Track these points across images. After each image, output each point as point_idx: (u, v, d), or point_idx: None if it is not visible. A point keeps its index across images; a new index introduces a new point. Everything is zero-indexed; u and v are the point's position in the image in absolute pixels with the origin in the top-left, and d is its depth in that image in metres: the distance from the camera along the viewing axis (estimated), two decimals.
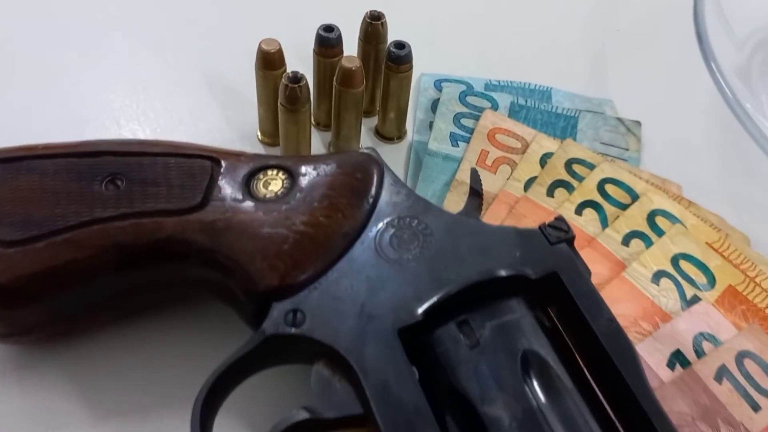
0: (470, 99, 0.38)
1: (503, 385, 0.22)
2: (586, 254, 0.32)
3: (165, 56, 0.40)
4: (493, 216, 0.33)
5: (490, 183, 0.35)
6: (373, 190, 0.26)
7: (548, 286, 0.24)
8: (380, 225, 0.26)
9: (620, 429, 0.22)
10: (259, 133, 0.36)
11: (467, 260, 0.25)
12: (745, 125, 0.35)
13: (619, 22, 0.45)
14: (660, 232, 0.33)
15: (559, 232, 0.25)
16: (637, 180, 0.35)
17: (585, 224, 0.33)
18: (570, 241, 0.26)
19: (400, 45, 0.33)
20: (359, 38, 0.35)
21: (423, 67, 0.40)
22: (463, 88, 0.39)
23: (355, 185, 0.26)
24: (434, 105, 0.38)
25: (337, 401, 0.22)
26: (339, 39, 0.33)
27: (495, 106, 0.38)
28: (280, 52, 0.32)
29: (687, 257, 0.32)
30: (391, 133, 0.36)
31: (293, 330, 0.23)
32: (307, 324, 0.23)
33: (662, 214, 0.34)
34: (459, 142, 0.36)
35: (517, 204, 0.34)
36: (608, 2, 0.46)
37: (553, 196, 0.34)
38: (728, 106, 0.36)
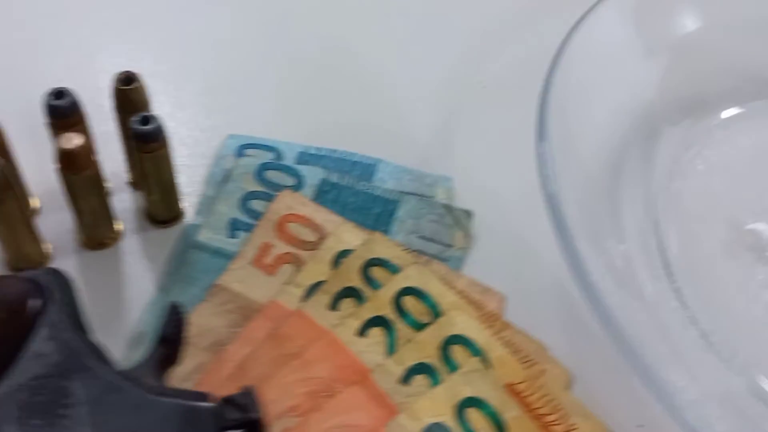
0: (270, 174, 0.32)
1: None
2: (353, 394, 0.26)
3: None
4: (247, 338, 0.27)
5: (263, 289, 0.28)
6: (16, 337, 0.20)
7: None
8: (10, 390, 0.20)
9: None
10: None
11: None
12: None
13: (486, 76, 0.38)
14: (453, 368, 0.27)
15: (237, 413, 0.19)
16: (446, 291, 0.29)
17: (366, 350, 0.27)
18: (253, 424, 0.19)
19: (146, 119, 0.27)
20: (114, 106, 0.28)
21: (235, 127, 0.34)
22: (270, 157, 0.33)
23: None
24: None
25: None
26: (73, 107, 0.27)
27: (300, 185, 0.32)
28: None
29: (478, 404, 0.26)
30: (160, 215, 0.30)
31: None
32: None
33: (461, 341, 0.27)
34: (239, 233, 0.30)
35: (286, 321, 0.27)
36: (477, 51, 0.39)
37: (337, 309, 0.28)
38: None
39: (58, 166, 0.26)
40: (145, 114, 0.27)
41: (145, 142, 0.27)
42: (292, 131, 0.34)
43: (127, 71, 0.28)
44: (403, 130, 0.36)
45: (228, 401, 0.20)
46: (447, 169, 0.34)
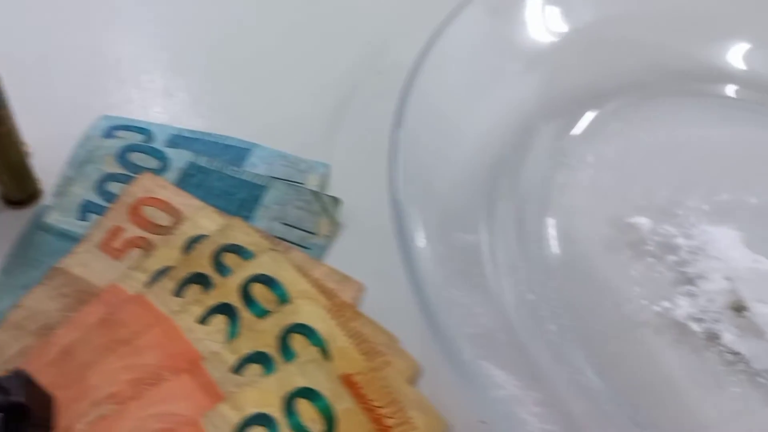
0: (134, 156, 0.31)
1: None
2: (180, 383, 0.25)
3: None
4: (78, 323, 0.26)
5: (106, 274, 0.28)
6: None
7: None
8: None
9: None
10: None
11: None
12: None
13: (384, 62, 0.37)
14: (290, 357, 0.26)
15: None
16: (299, 279, 0.28)
17: (205, 338, 0.26)
18: (14, 408, 0.19)
19: None
20: None
21: (116, 108, 0.33)
22: (139, 139, 0.32)
23: None
24: None
25: None
26: None
27: (165, 168, 0.31)
28: None
29: (310, 395, 0.25)
30: (13, 196, 0.30)
31: None
32: None
33: (303, 331, 0.27)
34: (91, 215, 0.29)
35: (123, 307, 0.27)
36: (377, 36, 0.38)
37: (181, 296, 0.27)
38: None
39: None
40: None
41: None
42: (174, 114, 0.34)
43: None
44: (291, 115, 0.35)
45: None
46: (328, 156, 0.33)
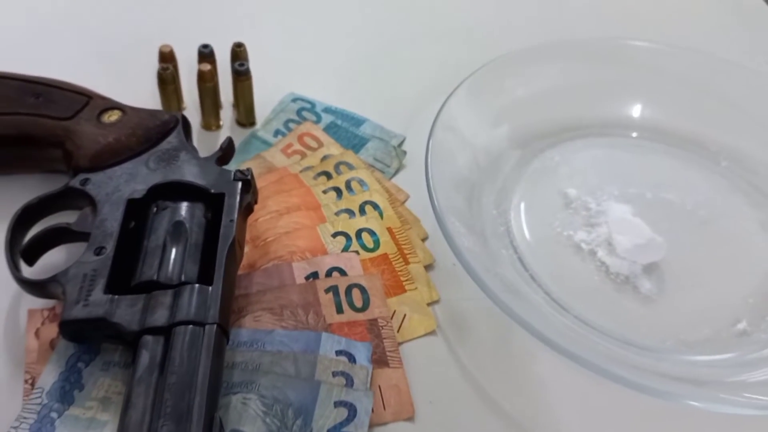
0: (305, 113, 0.58)
1: (160, 228, 0.42)
2: (308, 213, 0.51)
3: None
4: (265, 179, 0.53)
5: (281, 162, 0.55)
6: (159, 136, 0.47)
7: (217, 199, 0.44)
8: (154, 152, 0.47)
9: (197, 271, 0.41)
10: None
11: (186, 175, 0.45)
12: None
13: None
14: (363, 214, 0.52)
15: (241, 175, 0.45)
16: (375, 182, 0.54)
17: (324, 199, 0.53)
18: (245, 182, 0.45)
19: (242, 64, 0.54)
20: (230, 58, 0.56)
21: (296, 89, 0.61)
22: (308, 106, 0.59)
23: (149, 130, 0.47)
24: None
25: (81, 223, 0.43)
26: (210, 54, 0.55)
27: (318, 121, 0.58)
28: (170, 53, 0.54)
29: (369, 231, 0.50)
30: (243, 121, 0.57)
31: (80, 186, 0.45)
32: (89, 186, 0.45)
33: (372, 204, 0.52)
34: (279, 136, 0.56)
35: (285, 177, 0.53)
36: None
37: (316, 180, 0.54)
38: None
39: (197, 79, 0.53)
40: (242, 62, 0.54)
41: (239, 75, 0.54)
42: (328, 97, 0.61)
43: (238, 42, 0.55)
44: (390, 105, 0.61)
45: (237, 170, 0.45)
46: (405, 131, 0.59)
